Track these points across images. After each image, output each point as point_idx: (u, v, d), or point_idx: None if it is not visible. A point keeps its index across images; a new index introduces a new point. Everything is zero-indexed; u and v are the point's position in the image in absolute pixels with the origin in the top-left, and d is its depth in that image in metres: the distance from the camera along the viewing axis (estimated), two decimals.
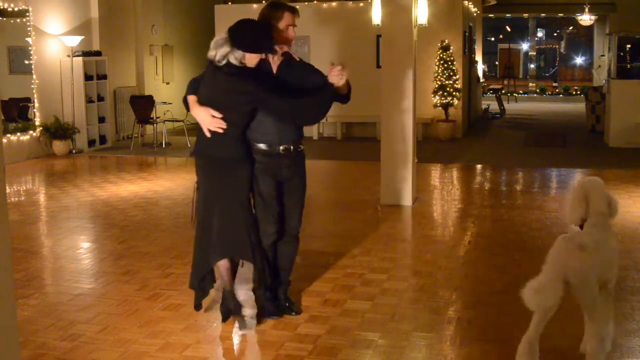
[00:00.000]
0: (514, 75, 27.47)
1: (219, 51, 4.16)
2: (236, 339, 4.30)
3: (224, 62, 4.16)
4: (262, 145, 4.36)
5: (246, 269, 4.39)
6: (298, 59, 4.52)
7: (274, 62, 4.41)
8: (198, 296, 4.46)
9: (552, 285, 3.61)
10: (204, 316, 4.59)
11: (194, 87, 4.34)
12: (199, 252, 4.38)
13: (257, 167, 4.37)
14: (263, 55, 4.23)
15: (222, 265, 4.34)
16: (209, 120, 4.17)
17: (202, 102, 4.24)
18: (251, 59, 4.18)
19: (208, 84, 4.27)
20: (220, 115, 4.15)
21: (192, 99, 4.30)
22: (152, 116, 12.96)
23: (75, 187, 9.23)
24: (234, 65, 4.16)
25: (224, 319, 4.45)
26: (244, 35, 4.14)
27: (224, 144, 4.23)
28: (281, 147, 4.38)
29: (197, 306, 4.48)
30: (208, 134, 4.20)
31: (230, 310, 4.40)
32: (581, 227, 3.89)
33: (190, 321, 4.52)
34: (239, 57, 4.15)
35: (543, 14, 27.67)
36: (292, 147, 4.41)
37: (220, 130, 4.16)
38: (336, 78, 4.22)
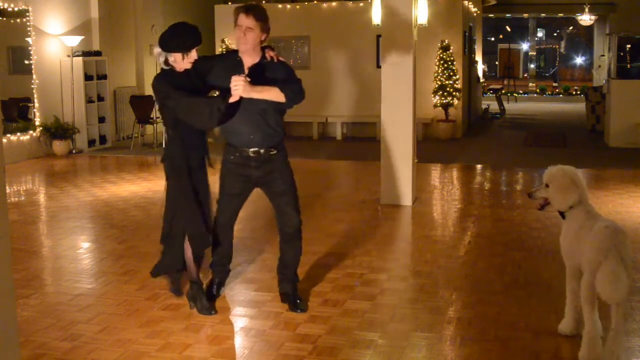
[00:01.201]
0: (514, 75, 27.46)
1: (155, 54, 4.46)
2: (236, 339, 4.31)
3: (162, 65, 4.40)
4: (232, 147, 4.52)
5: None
6: (277, 60, 4.53)
7: (246, 63, 4.47)
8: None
9: (622, 271, 3.63)
10: (204, 316, 4.59)
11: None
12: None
13: (225, 167, 4.58)
14: (194, 55, 4.36)
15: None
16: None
17: None
18: (178, 60, 4.34)
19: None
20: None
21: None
22: (152, 116, 12.96)
23: (75, 187, 9.23)
24: (162, 68, 4.40)
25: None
26: (164, 35, 4.36)
27: (168, 145, 4.55)
28: (251, 150, 4.47)
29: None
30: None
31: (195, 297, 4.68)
32: (562, 214, 4.03)
33: (190, 321, 4.52)
34: (169, 60, 4.36)
35: (543, 14, 27.63)
36: (262, 151, 4.48)
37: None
38: (233, 89, 4.14)
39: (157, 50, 4.39)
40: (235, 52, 4.55)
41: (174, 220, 4.49)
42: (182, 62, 4.35)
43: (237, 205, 4.73)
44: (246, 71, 4.42)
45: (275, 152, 4.54)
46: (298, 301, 4.70)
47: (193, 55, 4.36)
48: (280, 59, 4.61)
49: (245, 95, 4.19)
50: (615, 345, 3.75)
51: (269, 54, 4.53)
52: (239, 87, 4.14)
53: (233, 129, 4.45)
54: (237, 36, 4.42)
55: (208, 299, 4.70)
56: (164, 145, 4.58)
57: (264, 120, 4.45)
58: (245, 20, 4.39)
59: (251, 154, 4.48)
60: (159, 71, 4.50)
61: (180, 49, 4.32)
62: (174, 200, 4.49)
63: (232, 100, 4.16)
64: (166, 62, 4.37)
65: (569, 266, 4.07)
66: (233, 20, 4.47)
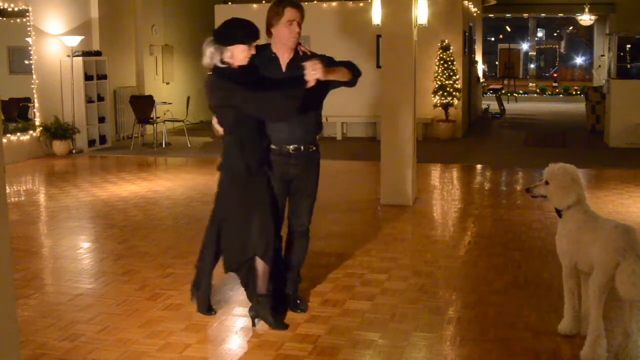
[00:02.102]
0: (514, 75, 27.46)
1: (206, 54, 4.18)
2: (236, 339, 4.30)
3: (212, 65, 4.19)
4: (273, 145, 4.36)
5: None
6: (309, 53, 4.44)
7: (283, 60, 4.38)
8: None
9: None
10: (204, 316, 4.58)
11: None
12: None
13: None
14: (252, 51, 4.18)
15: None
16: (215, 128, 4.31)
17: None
18: (237, 55, 4.14)
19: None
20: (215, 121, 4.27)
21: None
22: (152, 116, 12.96)
23: (75, 187, 9.23)
24: (217, 66, 4.18)
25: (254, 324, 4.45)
26: (222, 30, 4.16)
27: (224, 151, 4.28)
28: (291, 147, 4.36)
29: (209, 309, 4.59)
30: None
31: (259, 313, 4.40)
32: (558, 212, 4.04)
33: (190, 321, 4.52)
34: (226, 56, 4.14)
35: (543, 14, 27.64)
36: (302, 147, 4.38)
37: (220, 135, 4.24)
38: (311, 75, 4.06)
39: (210, 49, 4.15)
40: (266, 46, 4.42)
41: (219, 231, 4.35)
42: (240, 56, 4.14)
43: (284, 206, 4.54)
44: (283, 68, 4.36)
45: (314, 148, 4.46)
46: (298, 301, 4.69)
47: (253, 49, 4.19)
48: (312, 50, 4.52)
49: (322, 79, 4.09)
50: (634, 352, 3.80)
51: (301, 48, 4.44)
52: (317, 70, 4.04)
53: (272, 125, 4.31)
54: (285, 31, 4.29)
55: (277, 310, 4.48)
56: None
57: (305, 115, 4.31)
58: (297, 15, 4.31)
59: (291, 151, 4.37)
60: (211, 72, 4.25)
61: (248, 39, 4.13)
62: (225, 212, 4.33)
63: (309, 85, 4.05)
64: (221, 60, 4.16)
65: (566, 266, 4.08)
66: (272, 15, 4.32)
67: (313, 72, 4.03)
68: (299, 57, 4.37)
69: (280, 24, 4.31)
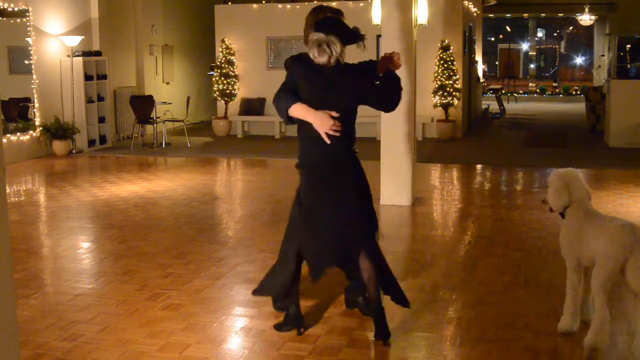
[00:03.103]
0: (514, 75, 27.47)
1: (335, 52, 4.01)
2: (236, 339, 4.30)
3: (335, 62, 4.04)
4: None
5: None
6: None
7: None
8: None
9: None
10: (204, 316, 4.59)
11: (292, 94, 4.09)
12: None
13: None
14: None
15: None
16: (330, 122, 4.00)
17: (312, 107, 4.04)
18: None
19: (315, 89, 4.09)
20: (337, 116, 4.02)
21: (304, 107, 4.04)
22: (152, 116, 12.96)
23: (75, 187, 9.23)
24: (342, 63, 4.07)
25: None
26: (345, 29, 4.12)
27: (339, 146, 4.12)
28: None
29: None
30: (328, 140, 4.02)
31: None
32: (561, 213, 4.25)
33: (190, 321, 4.52)
34: (344, 54, 4.09)
35: (543, 14, 27.66)
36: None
37: (338, 133, 4.03)
38: (397, 65, 4.31)
39: (338, 49, 4.05)
40: (306, 54, 4.26)
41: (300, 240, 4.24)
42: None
43: None
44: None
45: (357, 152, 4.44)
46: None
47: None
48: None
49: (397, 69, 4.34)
50: (638, 351, 3.92)
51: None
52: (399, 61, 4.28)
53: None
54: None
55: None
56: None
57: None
58: None
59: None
60: (327, 67, 4.07)
61: (363, 38, 4.25)
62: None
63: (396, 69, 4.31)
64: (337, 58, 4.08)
65: (570, 261, 4.21)
66: (312, 24, 4.31)
67: (399, 60, 4.31)
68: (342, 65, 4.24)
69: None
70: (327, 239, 4.15)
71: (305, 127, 4.11)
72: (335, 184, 4.17)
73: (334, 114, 4.00)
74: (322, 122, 4.00)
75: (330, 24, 4.14)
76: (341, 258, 4.27)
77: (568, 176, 4.24)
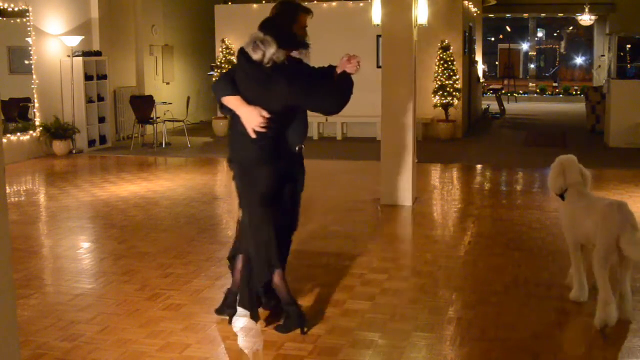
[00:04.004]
0: (514, 75, 27.48)
1: (268, 52, 4.05)
2: (236, 339, 4.30)
3: (270, 62, 4.08)
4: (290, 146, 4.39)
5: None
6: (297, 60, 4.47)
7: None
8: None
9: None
10: (204, 316, 4.59)
11: (230, 86, 4.18)
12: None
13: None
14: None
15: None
16: (258, 120, 4.07)
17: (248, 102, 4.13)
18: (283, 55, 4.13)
19: (250, 84, 4.15)
20: (267, 115, 4.07)
21: (237, 99, 4.14)
22: (152, 116, 12.96)
23: (75, 187, 9.23)
24: (279, 64, 4.10)
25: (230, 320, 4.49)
26: (281, 32, 4.13)
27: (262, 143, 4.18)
28: (298, 147, 4.40)
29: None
30: (253, 135, 4.10)
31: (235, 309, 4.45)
32: (561, 196, 4.64)
33: (190, 321, 4.52)
34: (280, 55, 4.09)
35: (543, 14, 27.67)
36: (303, 146, 4.45)
37: (264, 129, 4.09)
38: (353, 68, 4.18)
39: (272, 50, 4.08)
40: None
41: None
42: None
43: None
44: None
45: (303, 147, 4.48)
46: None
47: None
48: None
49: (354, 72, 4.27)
50: (631, 311, 4.37)
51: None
52: (358, 64, 4.23)
53: (298, 128, 4.38)
54: (303, 34, 4.31)
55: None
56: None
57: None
58: (308, 19, 4.35)
59: (297, 151, 4.41)
60: (263, 65, 4.13)
61: (303, 46, 4.29)
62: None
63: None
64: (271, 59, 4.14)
65: (570, 240, 4.62)
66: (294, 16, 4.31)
67: (356, 68, 4.19)
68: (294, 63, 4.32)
69: (302, 28, 4.29)
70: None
71: (235, 119, 4.21)
72: (249, 179, 4.25)
73: (265, 113, 4.08)
74: (250, 118, 4.10)
75: (269, 24, 4.19)
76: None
77: (565, 161, 4.62)
